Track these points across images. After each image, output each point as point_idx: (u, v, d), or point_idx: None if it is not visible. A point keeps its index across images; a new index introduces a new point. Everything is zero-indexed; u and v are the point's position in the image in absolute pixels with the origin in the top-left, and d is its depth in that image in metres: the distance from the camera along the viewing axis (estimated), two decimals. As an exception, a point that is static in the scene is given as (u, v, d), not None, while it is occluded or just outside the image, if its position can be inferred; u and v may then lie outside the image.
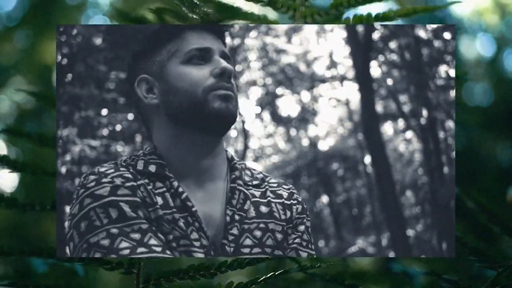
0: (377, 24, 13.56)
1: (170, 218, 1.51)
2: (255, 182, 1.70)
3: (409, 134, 19.48)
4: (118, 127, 14.44)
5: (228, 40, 14.06)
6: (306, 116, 21.10)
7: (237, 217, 1.59)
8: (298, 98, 20.99)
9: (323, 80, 20.38)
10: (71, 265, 1.66)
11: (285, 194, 1.72)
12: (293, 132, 21.88)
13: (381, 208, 14.86)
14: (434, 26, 14.99)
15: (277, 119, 20.82)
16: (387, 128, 20.01)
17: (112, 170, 1.53)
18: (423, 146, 17.25)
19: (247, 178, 1.69)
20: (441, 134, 16.87)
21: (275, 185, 1.75)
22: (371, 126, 13.42)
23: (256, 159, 20.72)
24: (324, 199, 21.38)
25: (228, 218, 1.58)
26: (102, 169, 1.53)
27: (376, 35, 15.29)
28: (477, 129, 6.66)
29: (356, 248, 18.22)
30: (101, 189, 1.48)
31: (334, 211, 20.83)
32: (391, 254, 14.40)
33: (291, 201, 1.72)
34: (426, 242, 17.80)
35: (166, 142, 1.62)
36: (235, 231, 1.58)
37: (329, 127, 21.92)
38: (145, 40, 1.67)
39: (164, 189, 1.55)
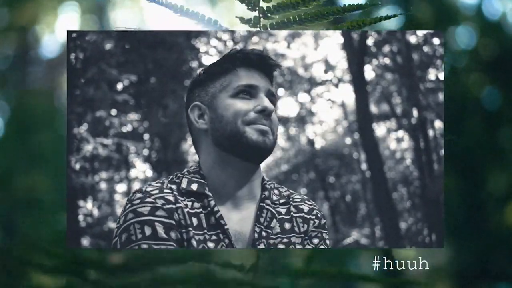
0: (370, 31, 13.51)
1: (201, 238, 1.60)
2: (282, 201, 1.78)
3: (401, 133, 19.43)
4: (129, 127, 14.40)
5: (230, 44, 14.09)
6: (304, 116, 21.07)
7: (264, 233, 1.67)
8: (296, 99, 20.96)
9: (320, 83, 20.36)
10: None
11: (306, 209, 1.80)
12: (292, 131, 21.84)
13: (375, 202, 14.79)
14: (424, 32, 14.94)
15: (277, 118, 20.74)
16: (380, 128, 19.96)
17: (157, 191, 1.63)
18: (414, 144, 17.21)
19: (274, 198, 1.77)
20: (431, 133, 16.83)
21: (299, 200, 1.82)
22: (365, 125, 13.37)
23: (257, 157, 20.61)
24: (321, 193, 21.33)
25: (256, 235, 1.66)
26: (149, 189, 1.64)
27: (370, 41, 15.24)
28: (464, 72, 6.44)
29: (351, 240, 18.17)
30: (143, 207, 1.58)
31: (331, 205, 20.78)
32: (384, 245, 14.33)
33: (310, 215, 1.79)
34: (416, 234, 17.75)
35: (210, 163, 1.70)
36: (262, 246, 1.66)
37: (326, 127, 21.88)
38: (204, 72, 1.77)
39: (201, 209, 1.64)
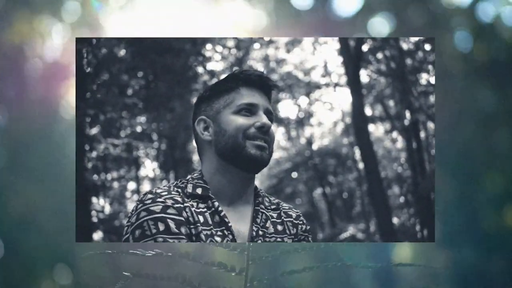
0: (366, 37, 13.45)
1: (209, 233, 1.67)
2: (272, 207, 1.89)
3: (395, 134, 19.39)
4: (138, 128, 14.39)
5: (234, 51, 14.05)
6: (303, 118, 21.05)
7: (261, 232, 1.78)
8: (296, 102, 20.94)
9: (318, 87, 20.33)
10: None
11: (293, 215, 1.91)
12: (292, 132, 21.83)
13: (370, 198, 14.76)
14: (416, 38, 14.88)
15: (278, 120, 20.75)
16: (375, 129, 19.93)
17: (166, 193, 1.69)
18: (406, 145, 17.18)
19: (266, 204, 1.87)
20: (422, 134, 16.80)
21: (287, 207, 1.94)
22: (361, 127, 13.33)
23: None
24: (319, 190, 21.32)
25: (254, 233, 1.76)
26: (158, 191, 1.69)
27: (365, 47, 15.19)
28: (458, 76, 6.21)
29: (347, 234, 18.13)
30: (155, 206, 1.64)
31: (328, 202, 20.76)
32: (379, 240, 14.29)
33: (298, 221, 1.91)
34: (409, 229, 17.71)
35: (212, 171, 1.79)
36: (259, 243, 1.78)
37: (324, 128, 21.86)
38: (209, 89, 1.85)
39: (206, 209, 1.72)
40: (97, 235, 12.64)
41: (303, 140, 21.33)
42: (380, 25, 6.42)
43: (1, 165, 5.73)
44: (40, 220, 5.62)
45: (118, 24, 6.05)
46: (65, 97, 5.96)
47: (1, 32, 5.82)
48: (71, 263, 5.58)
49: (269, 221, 1.82)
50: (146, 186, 17.07)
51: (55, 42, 5.92)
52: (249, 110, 1.79)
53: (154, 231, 1.60)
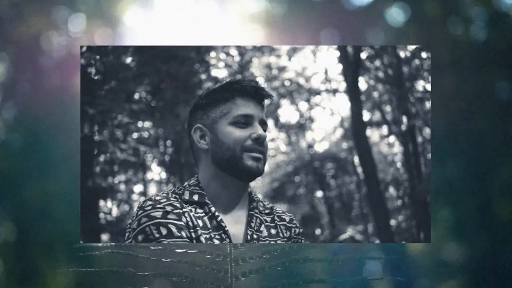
0: (364, 46, 13.52)
1: (208, 236, 1.69)
2: (266, 211, 1.90)
3: (392, 138, 19.45)
4: (145, 133, 14.46)
5: (238, 59, 14.09)
6: (304, 123, 21.11)
7: (255, 236, 1.79)
8: (297, 108, 21.00)
9: (318, 93, 20.39)
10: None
11: (287, 219, 1.93)
12: (293, 136, 21.88)
13: (368, 201, 14.81)
14: (413, 46, 14.96)
15: (279, 125, 20.82)
16: (373, 134, 19.98)
17: (165, 200, 1.71)
18: (403, 149, 17.23)
19: (260, 208, 1.89)
20: (419, 139, 16.84)
21: (280, 211, 1.95)
22: (359, 132, 13.39)
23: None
24: (319, 193, 21.35)
25: (248, 237, 1.77)
26: (158, 198, 1.71)
27: (363, 55, 15.27)
28: (473, 66, 6.03)
29: (346, 236, 18.17)
30: (155, 212, 1.66)
31: (328, 204, 20.79)
32: (376, 241, 14.34)
33: (291, 224, 1.93)
34: (406, 230, 17.74)
35: (207, 178, 1.80)
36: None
37: (323, 133, 21.92)
38: (205, 97, 1.83)
39: (204, 214, 1.74)
40: (105, 236, 12.70)
41: (303, 145, 21.39)
42: (396, 15, 6.35)
43: (15, 154, 5.75)
44: (52, 207, 5.64)
45: (134, 15, 6.03)
46: (77, 89, 5.96)
47: (16, 24, 5.85)
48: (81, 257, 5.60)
49: (263, 225, 1.84)
50: (152, 189, 17.14)
51: (70, 35, 5.94)
52: (245, 121, 1.78)
53: (157, 235, 1.63)
